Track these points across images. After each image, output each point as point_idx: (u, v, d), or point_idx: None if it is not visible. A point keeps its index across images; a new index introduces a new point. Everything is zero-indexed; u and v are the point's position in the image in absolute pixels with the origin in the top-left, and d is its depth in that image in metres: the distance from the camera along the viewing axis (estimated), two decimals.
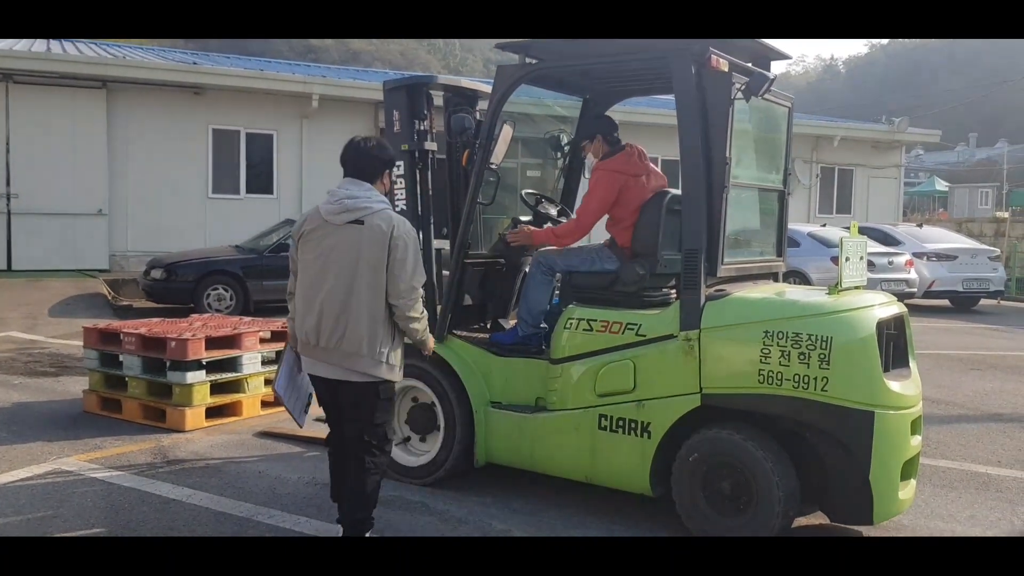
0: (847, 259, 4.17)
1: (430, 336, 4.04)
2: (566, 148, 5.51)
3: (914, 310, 13.27)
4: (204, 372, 6.15)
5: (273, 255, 12.58)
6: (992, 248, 16.52)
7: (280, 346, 6.76)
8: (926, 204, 48.12)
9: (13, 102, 14.41)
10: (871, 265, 14.03)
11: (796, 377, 3.85)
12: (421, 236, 5.17)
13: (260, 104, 16.21)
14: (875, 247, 14.31)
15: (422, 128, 5.13)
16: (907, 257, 14.64)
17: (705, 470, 4.08)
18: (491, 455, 4.76)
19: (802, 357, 3.84)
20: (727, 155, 4.13)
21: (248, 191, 16.46)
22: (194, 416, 6.06)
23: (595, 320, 4.43)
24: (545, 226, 5.08)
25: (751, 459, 3.94)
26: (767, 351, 3.90)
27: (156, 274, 12.27)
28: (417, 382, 4.91)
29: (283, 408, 5.76)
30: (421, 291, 3.79)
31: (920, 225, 17.61)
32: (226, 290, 12.27)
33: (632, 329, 4.31)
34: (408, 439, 5.05)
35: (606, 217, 4.76)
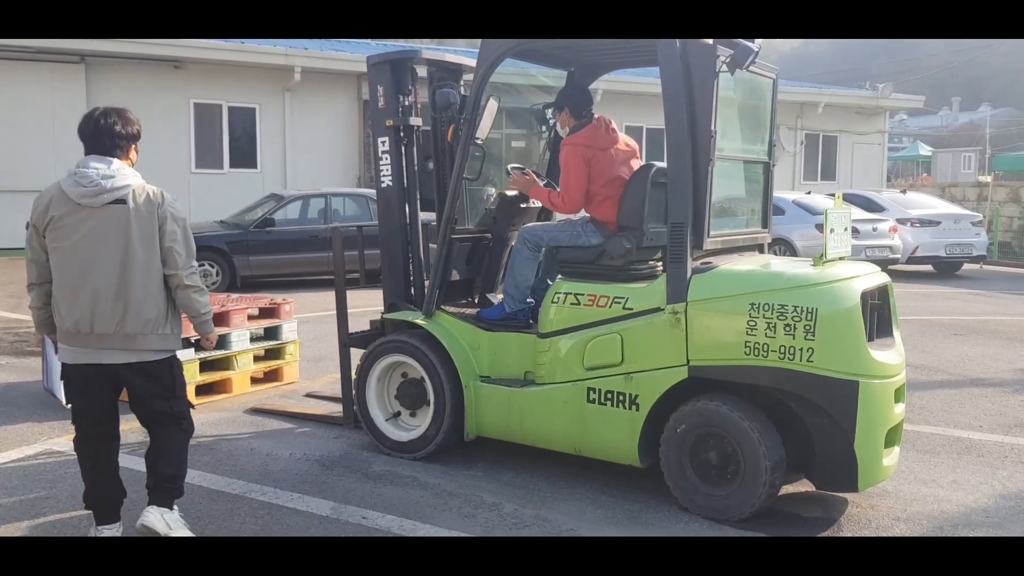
0: (831, 230, 4.21)
1: (211, 320, 3.80)
2: (551, 121, 5.49)
3: (897, 276, 13.42)
4: (192, 350, 6.14)
5: (259, 230, 12.56)
6: (975, 213, 16.65)
7: (268, 322, 6.78)
8: (910, 169, 48.28)
9: None
10: (855, 232, 14.12)
11: (782, 348, 3.90)
12: (408, 211, 5.19)
13: (242, 77, 16.09)
14: (859, 214, 14.40)
15: (407, 103, 5.12)
16: (891, 223, 14.75)
17: (693, 441, 4.14)
18: (481, 429, 4.81)
19: (787, 329, 3.88)
20: (712, 128, 4.14)
21: (231, 166, 16.38)
22: None
23: (582, 294, 4.46)
24: (533, 200, 5.10)
25: (738, 429, 3.99)
26: (753, 323, 3.95)
27: None
28: (406, 358, 4.94)
29: (273, 385, 5.79)
30: (195, 263, 3.69)
31: (904, 191, 17.71)
32: (212, 266, 12.24)
33: (619, 303, 4.34)
34: (398, 414, 5.09)
35: None
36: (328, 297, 11.97)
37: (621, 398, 4.31)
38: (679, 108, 4.14)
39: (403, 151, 5.16)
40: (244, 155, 16.49)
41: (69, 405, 3.84)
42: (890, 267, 14.08)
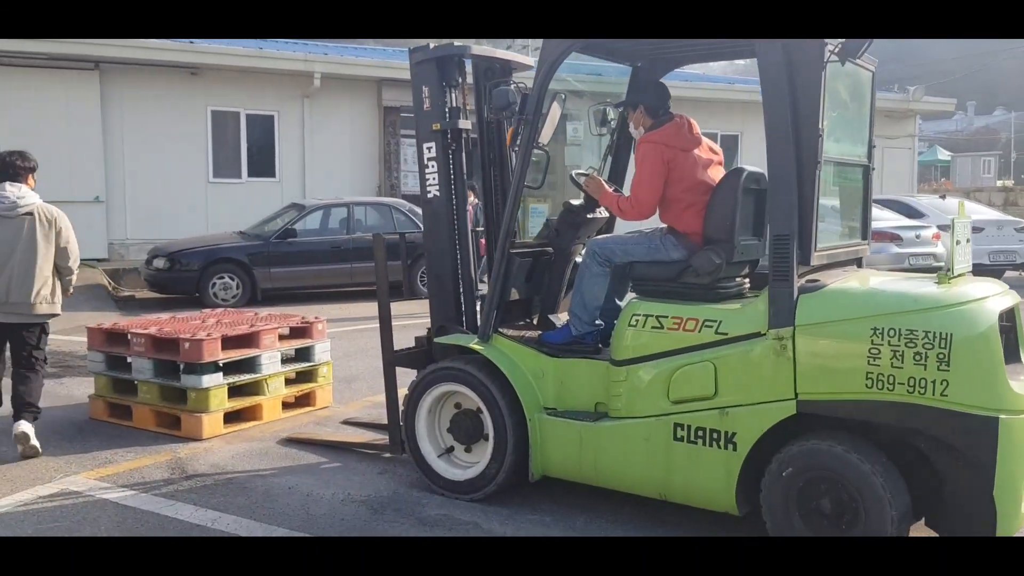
0: (957, 242, 3.68)
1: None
2: (612, 123, 4.98)
3: None
4: (221, 374, 5.66)
5: (280, 241, 12.11)
6: (1018, 219, 16.05)
7: (300, 342, 6.29)
8: (928, 174, 47.62)
9: (1, 86, 13.82)
10: (898, 239, 13.57)
11: (911, 380, 3.36)
12: (458, 224, 4.68)
13: (260, 84, 15.63)
14: (900, 220, 13.85)
15: (455, 105, 4.61)
16: (933, 230, 14.16)
17: (801, 486, 3.60)
18: (547, 468, 4.29)
19: (918, 357, 3.35)
20: (820, 126, 3.62)
21: (250, 175, 15.90)
22: (211, 423, 5.57)
23: (665, 316, 3.94)
24: (600, 210, 4.60)
25: (857, 474, 3.46)
26: (876, 351, 3.41)
27: (159, 263, 11.78)
28: (461, 387, 4.43)
29: (306, 410, 5.86)
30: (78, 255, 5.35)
31: (943, 196, 17.10)
32: (232, 279, 11.79)
33: (710, 327, 3.81)
34: (451, 449, 4.58)
35: None
36: (352, 310, 11.62)
37: (715, 436, 3.78)
38: (781, 104, 3.62)
39: (450, 158, 4.65)
40: (262, 164, 16.00)
41: None
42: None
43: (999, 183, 40.64)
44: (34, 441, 5.11)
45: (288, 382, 6.18)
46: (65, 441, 5.46)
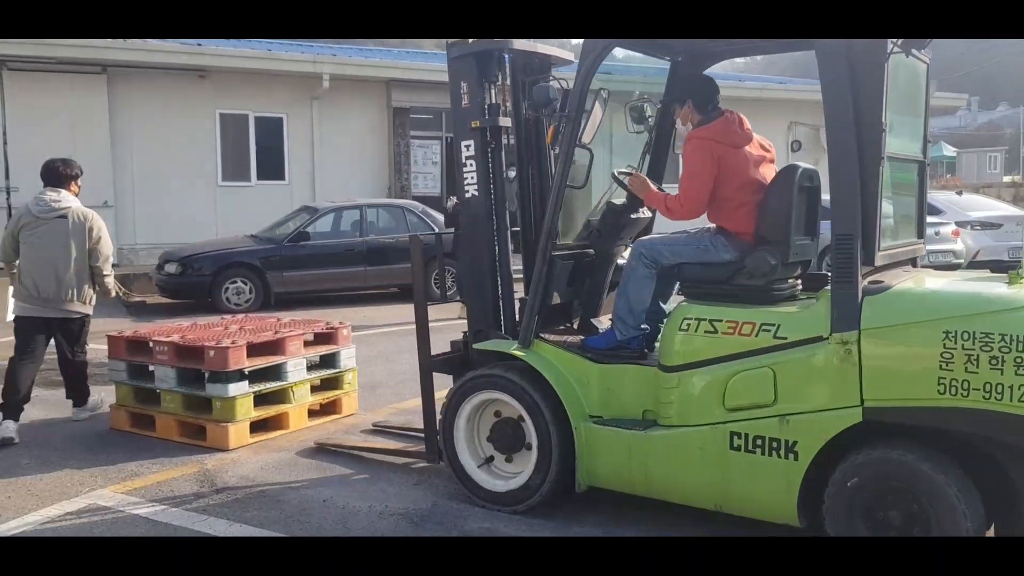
0: None
1: (114, 283, 5.86)
2: (650, 120, 4.82)
3: None
4: (247, 383, 5.51)
5: (293, 244, 11.96)
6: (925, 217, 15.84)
7: (324, 348, 6.14)
8: (934, 170, 47.40)
9: (8, 90, 13.70)
10: None
11: (987, 386, 3.20)
12: (496, 225, 4.52)
13: (268, 86, 15.49)
14: None
15: (494, 101, 4.46)
16: (952, 227, 14.01)
17: (867, 497, 3.44)
18: (594, 478, 4.13)
19: (994, 362, 3.18)
20: (882, 121, 3.46)
21: (259, 178, 15.79)
22: (238, 432, 5.42)
23: (719, 320, 3.78)
24: (643, 210, 4.44)
25: (929, 485, 3.30)
26: (949, 355, 3.25)
27: (170, 268, 11.64)
28: (502, 394, 4.28)
29: (332, 418, 5.93)
30: (111, 256, 5.73)
31: (959, 192, 16.93)
32: (245, 283, 11.66)
33: (768, 330, 3.66)
34: (491, 459, 4.42)
35: None
36: (368, 314, 11.47)
37: (774, 445, 3.62)
38: (842, 98, 3.47)
39: (490, 157, 4.49)
40: (271, 166, 15.86)
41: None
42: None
43: (1007, 178, 40.33)
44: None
45: (313, 389, 6.03)
46: (88, 453, 5.31)
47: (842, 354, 3.45)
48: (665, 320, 4.50)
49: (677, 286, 4.45)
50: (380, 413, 6.22)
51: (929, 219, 14.76)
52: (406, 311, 11.56)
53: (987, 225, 14.49)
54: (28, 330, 5.61)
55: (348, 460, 5.15)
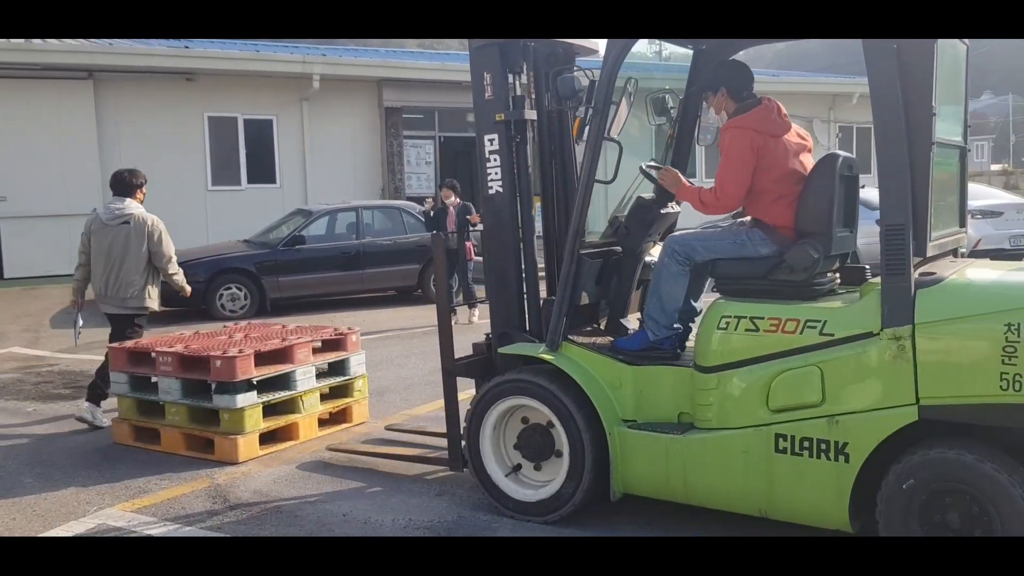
0: None
1: (185, 283, 6.30)
2: (672, 112, 4.65)
3: None
4: (255, 393, 5.31)
5: (288, 249, 11.73)
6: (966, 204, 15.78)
7: (333, 355, 5.94)
8: None
9: None
10: None
11: None
12: (521, 221, 4.34)
13: (257, 88, 15.27)
14: None
15: (519, 93, 4.27)
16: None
17: (924, 499, 3.28)
18: (629, 485, 3.95)
19: None
20: (932, 104, 3.30)
21: (249, 181, 15.56)
22: (247, 445, 5.22)
23: (761, 318, 3.60)
24: (672, 204, 4.27)
25: (992, 484, 3.13)
26: (1012, 349, 3.09)
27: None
28: (530, 400, 4.09)
29: (342, 427, 5.85)
30: (174, 255, 6.12)
31: None
32: (240, 289, 11.43)
33: (814, 327, 3.49)
34: (518, 467, 4.23)
35: None
36: (366, 318, 11.26)
37: (823, 447, 3.45)
38: (890, 81, 3.30)
39: (514, 151, 4.31)
40: (262, 170, 15.63)
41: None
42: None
43: (996, 167, 40.36)
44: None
45: (323, 398, 5.83)
46: (92, 469, 5.10)
47: (895, 350, 3.29)
48: (697, 319, 4.34)
49: (709, 282, 4.30)
50: (392, 420, 6.01)
51: None
52: (406, 314, 11.49)
53: (988, 214, 14.38)
54: (113, 324, 6.13)
55: (362, 471, 4.96)
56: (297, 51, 15.84)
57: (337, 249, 12.12)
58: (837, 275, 3.95)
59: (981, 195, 15.37)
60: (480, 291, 10.95)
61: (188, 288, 6.39)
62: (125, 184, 6.12)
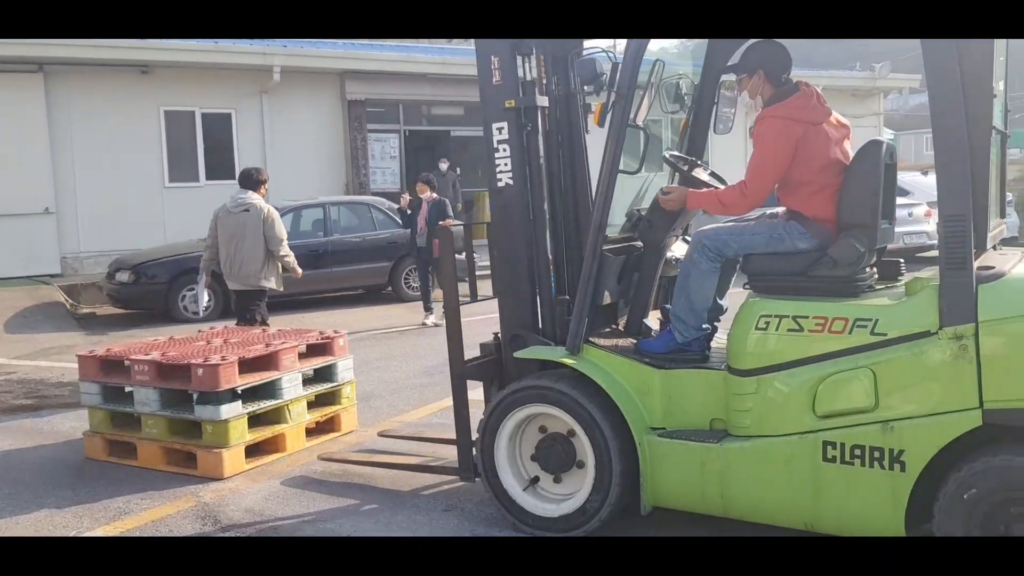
0: None
1: (296, 264, 7.00)
2: (687, 99, 4.40)
3: (930, 262, 12.44)
4: (240, 403, 4.95)
5: None
6: (1007, 194, 15.91)
7: (320, 360, 5.60)
8: None
9: None
10: None
11: None
12: (534, 216, 4.05)
13: (215, 80, 14.71)
14: None
15: (530, 78, 3.99)
16: (924, 208, 13.93)
17: (987, 509, 3.07)
18: (660, 498, 3.69)
19: None
20: (993, 86, 3.09)
21: (208, 177, 14.96)
22: (233, 459, 4.86)
23: (805, 317, 3.36)
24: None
25: None
26: None
27: (122, 277, 10.90)
28: (550, 408, 3.80)
29: (331, 437, 5.53)
30: (285, 239, 6.86)
31: (925, 173, 16.90)
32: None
33: (864, 327, 3.26)
34: (536, 480, 3.95)
35: None
36: (338, 318, 10.88)
37: (877, 455, 3.22)
38: (948, 60, 3.07)
39: (526, 140, 4.01)
40: (221, 165, 15.06)
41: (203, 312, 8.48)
42: (918, 254, 13.28)
43: (896, 160, 40.98)
44: None
45: (309, 406, 5.48)
46: (65, 488, 4.71)
47: (956, 350, 3.07)
48: (723, 317, 4.11)
49: (733, 279, 4.06)
50: (383, 427, 5.69)
51: (899, 200, 14.71)
52: (378, 314, 11.12)
53: None
54: (238, 298, 7.07)
55: (359, 485, 4.65)
56: (257, 42, 15.31)
57: (304, 247, 11.61)
58: (875, 270, 3.73)
59: None
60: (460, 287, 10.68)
61: (299, 270, 7.08)
62: (251, 180, 7.01)
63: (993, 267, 3.17)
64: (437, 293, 10.13)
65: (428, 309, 10.00)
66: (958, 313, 3.07)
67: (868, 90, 21.48)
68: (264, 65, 14.65)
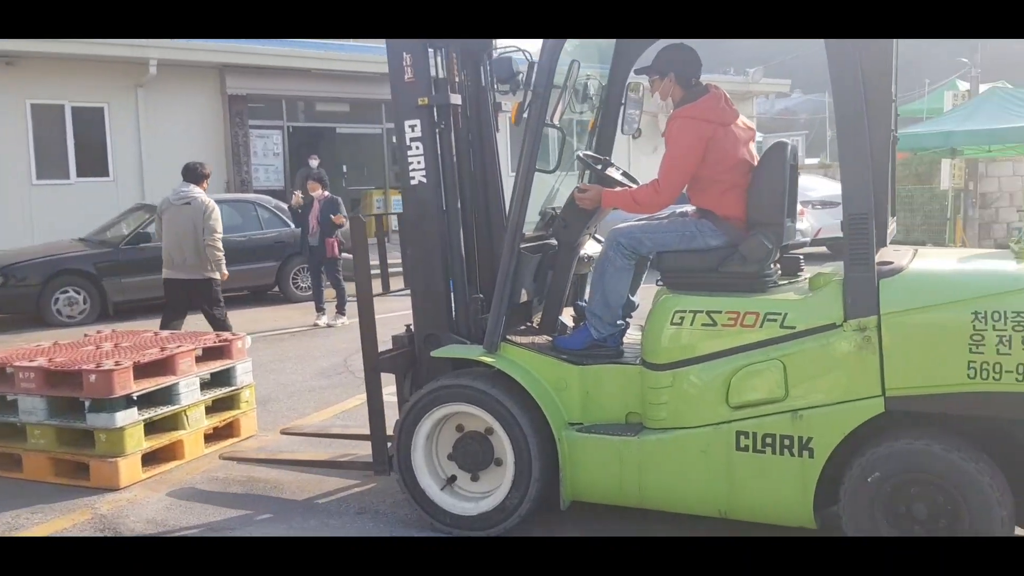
0: None
1: (224, 265, 7.33)
2: (594, 100, 4.48)
3: (810, 259, 13.05)
4: (136, 410, 4.74)
5: (131, 247, 10.81)
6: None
7: (218, 364, 5.42)
8: None
9: None
10: None
11: (1020, 368, 3.06)
12: (448, 216, 4.04)
13: (87, 73, 14.04)
14: None
15: (443, 75, 3.97)
16: (799, 207, 14.57)
17: (889, 491, 3.24)
18: (579, 492, 3.74)
19: None
20: (893, 91, 3.27)
21: (79, 175, 14.29)
22: (129, 468, 4.65)
23: (718, 312, 3.48)
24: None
25: (960, 474, 3.12)
26: (979, 337, 3.08)
27: None
28: (468, 406, 3.80)
29: (230, 442, 5.30)
30: (218, 234, 7.20)
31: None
32: (78, 292, 10.46)
33: (774, 320, 3.39)
34: (453, 479, 3.94)
35: None
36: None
37: (787, 443, 3.36)
38: (851, 68, 3.23)
39: (438, 139, 3.99)
40: (93, 162, 14.38)
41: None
42: (797, 251, 13.87)
43: (812, 160, 42.97)
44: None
45: (206, 411, 5.30)
46: (33, 498, 4.41)
47: (860, 341, 3.23)
48: (635, 313, 4.20)
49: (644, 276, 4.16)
50: (285, 429, 5.55)
51: None
52: (266, 315, 10.83)
53: (827, 204, 15.19)
54: (171, 290, 7.32)
55: (265, 489, 4.53)
56: None
57: None
58: (779, 266, 3.88)
59: (818, 187, 16.24)
60: (352, 287, 10.50)
61: (226, 272, 7.35)
62: (195, 174, 7.36)
63: (892, 263, 3.35)
64: (328, 293, 9.98)
65: (320, 310, 9.82)
66: (861, 306, 3.23)
67: (742, 94, 22.33)
68: (139, 58, 14.07)
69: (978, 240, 16.37)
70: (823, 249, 15.88)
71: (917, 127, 16.06)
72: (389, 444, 4.04)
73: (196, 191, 7.24)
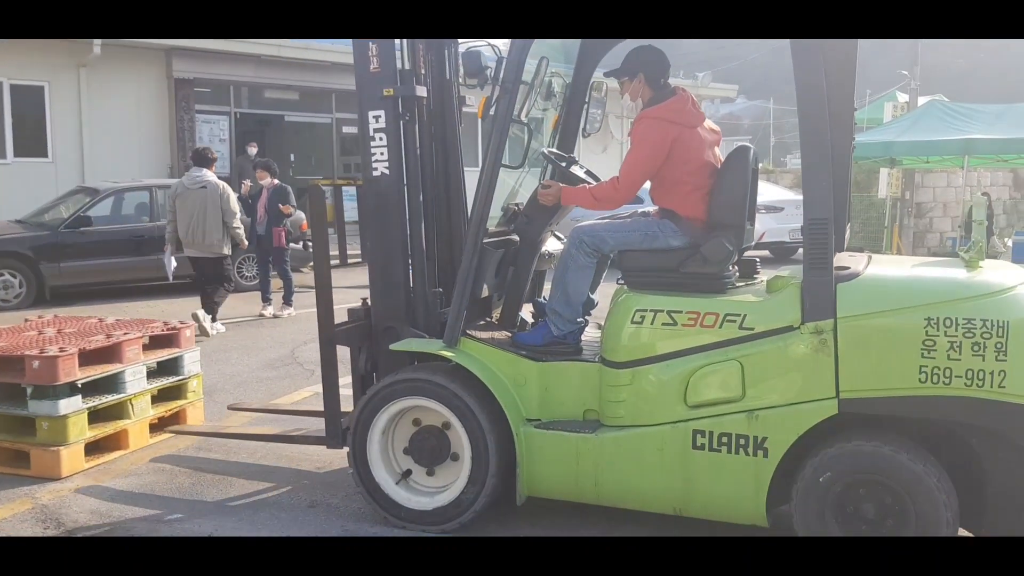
0: (978, 222, 3.53)
1: (244, 236, 8.48)
2: (558, 97, 4.49)
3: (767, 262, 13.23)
4: (80, 398, 4.62)
5: (71, 231, 10.55)
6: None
7: (165, 353, 5.30)
8: None
9: None
10: None
11: (968, 373, 3.15)
12: (408, 208, 4.01)
13: (27, 50, 13.57)
14: None
15: (408, 66, 3.94)
16: None
17: (839, 491, 3.31)
18: (535, 488, 3.75)
19: (976, 348, 3.14)
20: (853, 101, 3.34)
21: (16, 155, 13.85)
22: (71, 457, 4.53)
23: (679, 312, 3.51)
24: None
25: (908, 475, 3.21)
26: (931, 342, 3.17)
27: None
28: (426, 400, 3.79)
29: (181, 429, 5.16)
30: (238, 213, 8.30)
31: None
32: (13, 276, 10.18)
33: (733, 321, 3.44)
34: (408, 473, 3.92)
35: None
36: (165, 308, 10.32)
37: (742, 442, 3.41)
38: (815, 77, 3.29)
39: (402, 131, 3.96)
40: (32, 142, 13.95)
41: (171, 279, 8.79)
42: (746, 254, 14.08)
43: (759, 165, 43.85)
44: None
45: (155, 400, 5.18)
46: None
47: (816, 344, 3.30)
48: (593, 311, 4.22)
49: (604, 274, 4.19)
50: (235, 421, 5.46)
51: None
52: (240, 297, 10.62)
53: (770, 208, 15.43)
54: (197, 267, 8.36)
55: (213, 480, 4.45)
56: None
57: (128, 232, 11.06)
58: (737, 268, 3.94)
59: (763, 192, 16.48)
60: (300, 278, 10.36)
61: (246, 242, 8.56)
62: (204, 158, 8.21)
63: (848, 267, 3.42)
64: (275, 283, 9.84)
65: (267, 300, 9.67)
66: (819, 309, 3.30)
67: None
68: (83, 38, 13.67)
69: (912, 248, 16.82)
70: (766, 253, 16.18)
71: (858, 136, 16.44)
72: (343, 419, 4.01)
73: (209, 175, 8.09)
